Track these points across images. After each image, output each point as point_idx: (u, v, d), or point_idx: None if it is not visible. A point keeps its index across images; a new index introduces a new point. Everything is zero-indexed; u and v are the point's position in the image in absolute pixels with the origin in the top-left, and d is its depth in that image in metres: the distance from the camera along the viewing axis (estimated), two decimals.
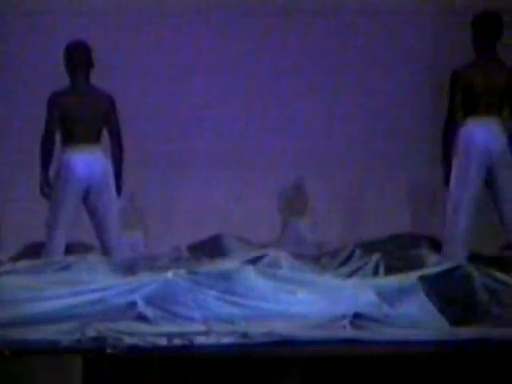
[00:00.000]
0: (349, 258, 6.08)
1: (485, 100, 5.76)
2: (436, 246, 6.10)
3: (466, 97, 5.78)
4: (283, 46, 7.12)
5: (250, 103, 7.21)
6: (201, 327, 4.57)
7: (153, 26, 7.18)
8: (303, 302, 4.89)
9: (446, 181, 5.83)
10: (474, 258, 5.72)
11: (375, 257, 5.61)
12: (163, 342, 4.39)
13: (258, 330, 4.56)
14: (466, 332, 4.56)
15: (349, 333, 4.58)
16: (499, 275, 4.95)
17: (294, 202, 7.22)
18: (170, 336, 4.43)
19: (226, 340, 4.46)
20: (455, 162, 5.78)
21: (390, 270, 5.48)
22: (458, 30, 7.03)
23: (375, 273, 5.54)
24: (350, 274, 5.52)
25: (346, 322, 4.63)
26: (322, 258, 6.23)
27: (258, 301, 4.87)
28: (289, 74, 7.14)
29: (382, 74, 7.08)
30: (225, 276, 4.96)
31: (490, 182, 5.78)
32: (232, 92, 7.23)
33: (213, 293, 4.79)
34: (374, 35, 6.99)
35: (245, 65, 7.14)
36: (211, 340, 4.45)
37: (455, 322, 4.69)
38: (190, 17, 7.20)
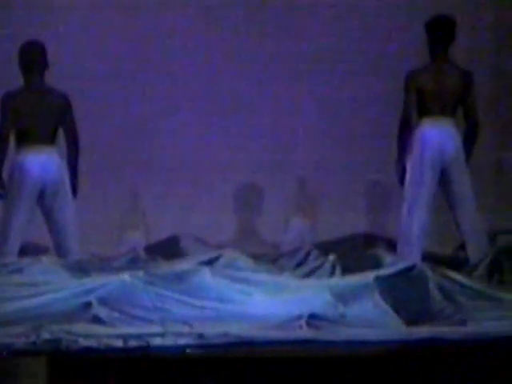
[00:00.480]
0: (305, 259, 6.10)
1: (439, 101, 5.81)
2: (391, 246, 6.15)
3: (420, 98, 5.82)
4: (251, 52, 7.14)
5: (210, 107, 7.21)
6: (157, 328, 4.57)
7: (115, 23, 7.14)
8: (260, 302, 4.91)
9: (401, 181, 5.88)
10: (428, 258, 5.77)
11: (332, 257, 5.64)
12: (119, 343, 4.38)
13: (215, 330, 4.56)
14: (420, 331, 4.60)
15: (305, 333, 4.60)
16: (453, 275, 5.01)
17: (250, 202, 7.22)
18: (125, 338, 4.42)
19: (182, 341, 4.46)
20: (410, 163, 5.82)
21: (346, 271, 5.51)
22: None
23: (332, 273, 5.55)
24: (307, 275, 5.54)
25: (302, 322, 4.64)
26: (278, 258, 6.25)
27: (215, 302, 4.89)
28: (250, 79, 7.16)
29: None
30: (181, 277, 4.97)
31: (444, 182, 5.83)
32: (193, 97, 7.23)
33: (169, 294, 4.80)
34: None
35: (208, 70, 7.14)
36: (168, 341, 4.45)
37: (410, 321, 4.73)
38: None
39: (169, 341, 4.44)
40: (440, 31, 5.81)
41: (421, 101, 5.81)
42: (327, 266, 5.61)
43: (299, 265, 6.01)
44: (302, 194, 7.23)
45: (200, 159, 7.18)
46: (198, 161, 7.18)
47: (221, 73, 7.12)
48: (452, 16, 5.86)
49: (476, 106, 5.87)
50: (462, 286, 4.94)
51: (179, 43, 7.15)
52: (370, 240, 6.55)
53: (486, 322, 4.66)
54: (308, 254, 6.15)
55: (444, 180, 5.81)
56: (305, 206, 7.24)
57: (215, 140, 7.19)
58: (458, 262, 5.75)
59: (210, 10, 7.14)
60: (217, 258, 5.49)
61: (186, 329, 4.56)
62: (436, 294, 4.91)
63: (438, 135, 5.78)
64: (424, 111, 5.81)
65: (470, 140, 5.86)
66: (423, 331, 4.59)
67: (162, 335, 4.47)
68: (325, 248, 6.17)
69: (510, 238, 6.41)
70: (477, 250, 5.73)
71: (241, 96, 7.13)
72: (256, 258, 5.86)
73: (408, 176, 5.80)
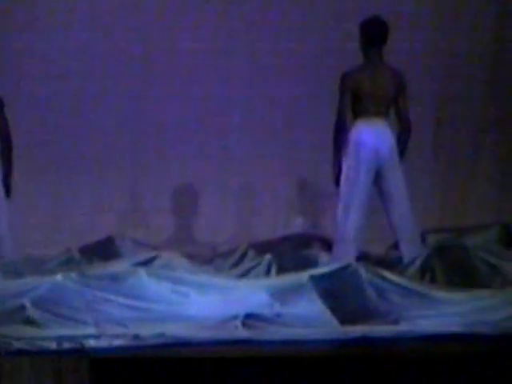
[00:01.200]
0: (241, 259, 6.12)
1: (373, 102, 5.85)
2: (327, 246, 6.19)
3: (355, 99, 5.86)
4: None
5: (145, 103, 7.17)
6: (91, 330, 4.54)
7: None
8: (196, 303, 4.91)
9: (337, 181, 5.92)
10: (363, 257, 5.82)
11: (267, 257, 5.68)
12: (53, 345, 4.34)
13: (151, 331, 4.55)
14: (354, 330, 4.64)
15: (241, 333, 4.61)
16: (387, 274, 5.05)
17: (186, 202, 7.20)
18: (59, 339, 4.39)
19: (117, 342, 4.44)
20: (345, 163, 5.85)
21: (282, 270, 5.55)
22: None
23: (267, 273, 5.60)
24: (243, 275, 5.57)
25: (238, 322, 4.66)
26: (215, 258, 6.26)
27: (151, 303, 4.87)
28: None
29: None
30: (116, 278, 4.95)
31: (378, 182, 5.88)
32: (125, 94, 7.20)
33: (104, 295, 4.77)
34: None
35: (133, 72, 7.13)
36: (102, 343, 4.43)
37: (345, 320, 4.77)
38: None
39: (103, 342, 4.42)
40: (375, 32, 5.86)
41: (355, 102, 5.84)
42: (263, 265, 5.65)
43: (235, 265, 6.04)
44: (239, 194, 7.24)
45: (139, 159, 7.16)
46: (137, 161, 7.16)
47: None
48: (384, 18, 5.92)
49: (408, 106, 5.94)
50: (395, 284, 4.97)
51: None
52: (305, 240, 6.59)
53: (418, 321, 4.73)
54: (244, 254, 6.17)
55: (378, 180, 5.85)
56: (242, 206, 7.27)
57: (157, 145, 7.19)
58: (391, 261, 5.82)
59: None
60: (153, 259, 5.49)
61: (120, 330, 4.56)
62: (370, 293, 4.95)
63: (372, 136, 5.82)
64: (359, 112, 5.85)
65: (403, 140, 5.93)
66: (358, 330, 4.64)
67: (96, 337, 4.45)
68: (261, 248, 6.20)
69: (440, 238, 6.54)
70: (410, 249, 5.77)
71: None
72: (192, 258, 5.88)
73: (343, 176, 5.83)
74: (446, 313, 4.78)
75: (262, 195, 7.19)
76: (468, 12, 7.20)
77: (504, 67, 7.29)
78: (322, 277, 5.01)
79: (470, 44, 7.19)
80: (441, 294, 4.93)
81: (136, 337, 4.49)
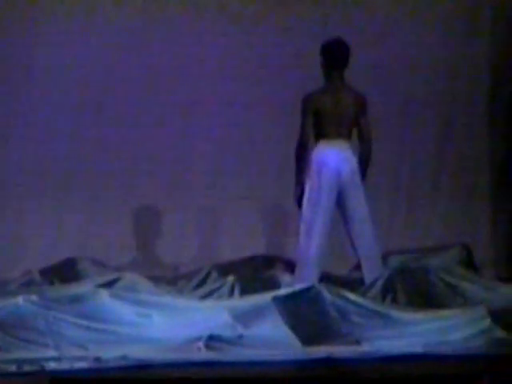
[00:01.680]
0: (204, 280, 6.11)
1: (335, 124, 5.87)
2: (290, 267, 6.19)
3: (317, 120, 5.87)
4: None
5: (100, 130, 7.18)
6: (52, 353, 4.51)
7: None
8: (158, 324, 4.90)
9: (299, 202, 5.94)
10: (325, 278, 5.83)
11: (230, 279, 5.67)
12: (13, 368, 4.30)
13: (112, 353, 4.53)
14: (317, 351, 4.66)
15: (203, 355, 4.60)
16: (349, 295, 5.08)
17: (149, 223, 7.17)
18: (20, 362, 4.35)
19: (78, 365, 4.40)
20: (308, 185, 5.87)
21: (245, 292, 5.55)
22: None
23: (231, 294, 5.59)
24: (206, 296, 5.56)
25: (200, 344, 4.64)
26: (177, 280, 6.23)
27: (113, 324, 4.85)
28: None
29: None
30: (78, 300, 4.92)
31: (340, 203, 5.89)
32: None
33: (65, 317, 4.74)
34: None
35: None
36: (63, 365, 4.39)
37: (308, 341, 4.78)
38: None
39: (64, 365, 4.40)
40: (336, 55, 5.90)
41: (318, 123, 5.86)
42: (226, 287, 5.64)
43: (198, 286, 6.02)
44: (201, 214, 7.23)
45: (94, 182, 7.13)
46: (91, 182, 7.13)
47: None
48: (346, 41, 5.96)
49: (370, 127, 5.98)
50: (357, 305, 5.00)
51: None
52: (268, 261, 6.59)
53: (380, 341, 4.75)
54: (207, 276, 6.16)
55: (340, 201, 5.87)
56: (205, 226, 7.25)
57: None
58: (353, 282, 5.84)
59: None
60: (115, 281, 5.47)
61: (81, 352, 4.53)
62: (333, 314, 4.97)
63: (334, 158, 5.85)
64: (321, 134, 5.87)
65: (364, 161, 5.96)
66: (320, 351, 4.65)
67: (57, 359, 4.42)
68: (224, 269, 6.19)
69: (402, 259, 6.57)
70: (372, 270, 5.78)
71: None
72: (155, 279, 5.85)
73: (306, 198, 5.84)
74: (407, 333, 4.82)
75: (226, 216, 7.19)
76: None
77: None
78: (285, 298, 5.02)
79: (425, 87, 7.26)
80: (402, 314, 4.96)
81: (97, 359, 4.47)
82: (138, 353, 4.56)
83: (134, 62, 7.04)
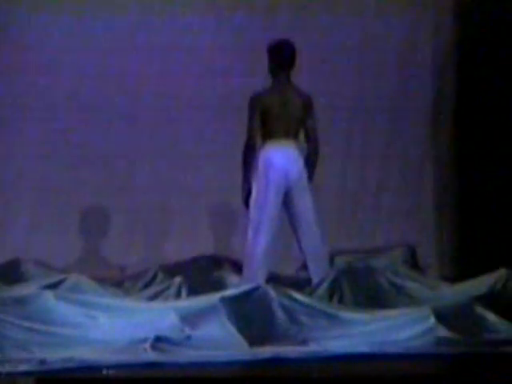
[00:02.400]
0: (151, 282, 6.08)
1: (282, 124, 5.88)
2: (237, 267, 6.20)
3: (264, 121, 5.88)
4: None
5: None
6: None
7: None
8: (105, 326, 4.87)
9: (246, 202, 5.93)
10: (272, 278, 5.84)
11: (178, 279, 5.65)
12: None
13: (58, 355, 4.48)
14: (263, 351, 4.65)
15: (150, 356, 4.56)
16: (295, 295, 5.08)
17: (94, 224, 7.12)
18: None
19: (22, 367, 4.35)
20: (255, 185, 5.87)
21: (192, 293, 5.53)
22: None
23: (177, 295, 5.58)
24: (153, 298, 5.54)
25: (147, 345, 4.61)
26: (124, 281, 6.20)
27: (58, 326, 4.81)
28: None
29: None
30: (23, 302, 4.87)
31: (287, 203, 5.90)
32: None
33: (8, 319, 4.68)
34: None
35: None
36: (7, 368, 4.33)
37: (255, 342, 4.77)
38: None
39: (8, 367, 4.33)
40: (283, 56, 5.90)
41: (265, 124, 5.87)
42: (173, 288, 5.62)
43: (145, 287, 6.00)
44: (148, 215, 7.20)
45: (40, 182, 7.07)
46: (37, 183, 7.08)
47: None
48: (292, 42, 5.97)
49: (316, 127, 6.01)
50: (304, 305, 5.01)
51: None
52: (216, 262, 6.59)
53: (326, 341, 4.76)
54: (154, 277, 6.14)
55: (287, 202, 5.88)
56: (151, 227, 7.22)
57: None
58: (300, 283, 5.86)
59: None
60: (61, 282, 5.43)
61: (26, 355, 4.48)
62: (280, 315, 4.98)
63: (281, 158, 5.85)
64: (268, 134, 5.88)
65: (311, 161, 5.98)
66: (267, 351, 4.65)
67: (0, 362, 4.36)
68: (171, 270, 6.18)
69: (348, 259, 6.61)
70: (318, 270, 5.81)
71: None
72: (101, 281, 5.82)
73: (253, 198, 5.85)
74: (353, 333, 4.84)
75: (173, 216, 7.17)
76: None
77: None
78: (232, 299, 5.01)
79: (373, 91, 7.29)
80: (349, 314, 4.98)
81: (42, 362, 4.41)
82: (84, 354, 4.51)
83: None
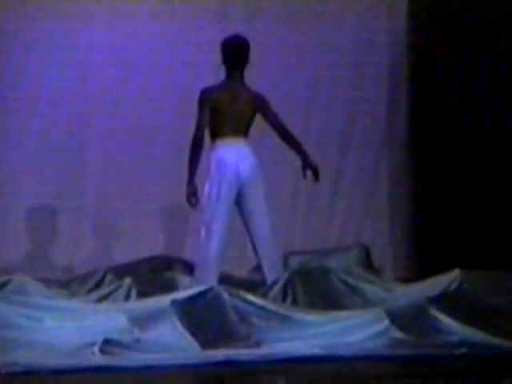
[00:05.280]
0: (100, 283, 5.97)
1: (232, 121, 5.78)
2: (189, 268, 6.12)
3: (214, 118, 5.77)
4: None
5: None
6: None
7: None
8: (51, 329, 4.77)
9: (189, 200, 5.75)
10: (224, 280, 5.77)
11: (127, 281, 5.56)
12: None
13: (3, 359, 4.36)
14: (215, 354, 4.58)
15: (98, 360, 4.46)
16: (248, 296, 5.03)
17: (41, 223, 7.02)
18: None
19: None
20: (207, 184, 5.77)
21: (142, 294, 5.45)
22: None
23: (127, 297, 5.49)
24: (101, 299, 5.43)
25: (95, 348, 4.51)
26: (71, 283, 6.08)
27: (3, 329, 4.70)
28: None
29: None
30: None
31: (240, 202, 5.82)
32: None
33: None
34: None
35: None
36: None
37: (207, 344, 4.70)
38: None
39: None
40: (235, 52, 5.80)
41: (215, 121, 5.77)
42: (122, 289, 5.52)
43: (93, 289, 5.89)
44: (97, 214, 7.11)
45: None
46: None
47: None
48: (246, 38, 5.89)
49: (278, 116, 5.88)
50: (257, 307, 4.96)
51: None
52: (166, 262, 6.49)
53: (280, 343, 4.71)
54: (102, 278, 6.02)
55: (240, 200, 5.80)
56: (100, 226, 7.13)
57: None
58: (253, 284, 5.80)
59: None
60: (5, 284, 5.32)
61: None
62: (232, 316, 4.92)
63: (233, 156, 5.75)
64: (218, 132, 5.78)
65: (295, 144, 5.87)
66: (219, 354, 4.57)
67: None
68: (120, 271, 6.07)
69: (301, 260, 6.58)
70: (272, 271, 5.73)
71: None
72: (47, 282, 5.72)
73: (205, 198, 5.75)
74: (306, 335, 4.78)
75: (123, 216, 7.09)
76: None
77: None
78: (184, 301, 4.93)
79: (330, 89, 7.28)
80: (302, 316, 4.92)
81: None
82: (29, 358, 4.40)
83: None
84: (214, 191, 5.73)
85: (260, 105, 5.84)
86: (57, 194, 6.97)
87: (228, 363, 4.49)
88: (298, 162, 7.34)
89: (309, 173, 5.91)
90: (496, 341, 4.71)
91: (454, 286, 5.54)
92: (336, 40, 7.19)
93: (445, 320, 4.90)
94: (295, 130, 7.11)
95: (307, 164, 5.86)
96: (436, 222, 7.14)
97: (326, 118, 7.34)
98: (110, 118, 7.10)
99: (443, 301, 5.12)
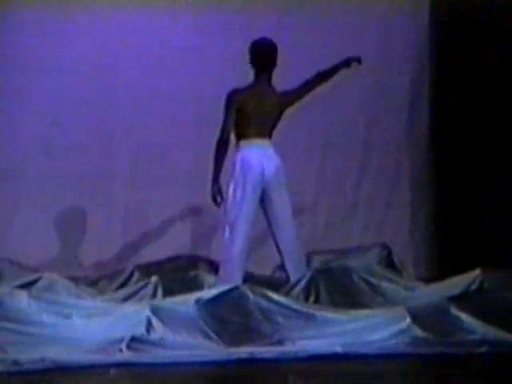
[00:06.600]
0: (127, 281, 6.05)
1: (257, 124, 5.84)
2: (214, 267, 6.17)
3: (240, 120, 5.82)
4: None
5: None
6: None
7: None
8: (79, 326, 4.83)
9: (215, 199, 5.81)
10: (248, 278, 5.82)
11: (154, 279, 5.63)
12: None
13: (31, 356, 4.45)
14: (239, 352, 4.64)
15: (125, 356, 4.54)
16: (272, 295, 5.08)
17: (70, 222, 7.09)
18: None
19: None
20: (231, 185, 5.82)
21: (168, 293, 5.51)
22: None
23: (153, 295, 5.55)
24: (128, 297, 5.50)
25: (122, 345, 4.59)
26: (99, 281, 6.16)
27: (32, 326, 4.78)
28: None
29: None
30: None
31: (264, 203, 5.87)
32: None
33: None
34: None
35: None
36: None
37: (230, 342, 4.76)
38: None
39: None
40: (263, 55, 5.84)
41: (241, 123, 5.82)
42: (149, 287, 5.59)
43: (120, 286, 5.97)
44: (125, 213, 7.18)
45: (16, 179, 7.02)
46: (13, 179, 7.03)
47: None
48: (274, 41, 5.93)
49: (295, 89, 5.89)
50: (280, 306, 5.00)
51: None
52: (192, 261, 6.55)
53: (301, 341, 4.75)
54: (130, 276, 6.10)
55: (264, 200, 5.85)
56: (128, 226, 7.19)
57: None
58: (276, 282, 5.84)
59: None
60: (35, 281, 5.40)
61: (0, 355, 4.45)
62: (256, 315, 4.97)
63: (257, 157, 5.81)
64: (244, 133, 5.84)
65: (319, 76, 5.88)
66: (242, 351, 4.64)
67: None
68: (147, 270, 6.14)
69: (324, 259, 6.61)
70: (295, 270, 5.78)
71: None
72: (75, 280, 5.80)
73: (229, 198, 5.80)
74: (328, 333, 4.82)
75: (150, 215, 7.14)
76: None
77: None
78: (208, 299, 5.00)
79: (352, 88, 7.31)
80: (324, 314, 4.97)
81: (15, 362, 4.38)
82: (57, 355, 4.48)
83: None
84: (239, 191, 5.79)
85: (285, 103, 5.90)
86: (86, 195, 7.03)
87: (251, 361, 4.55)
88: (320, 162, 7.43)
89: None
90: None
91: (475, 285, 5.56)
92: (358, 40, 7.20)
93: (466, 319, 4.93)
94: (317, 129, 7.23)
95: (342, 64, 5.87)
96: (457, 222, 7.15)
97: (348, 119, 7.35)
98: (137, 119, 7.15)
99: (464, 300, 5.16)
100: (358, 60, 5.89)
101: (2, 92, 6.96)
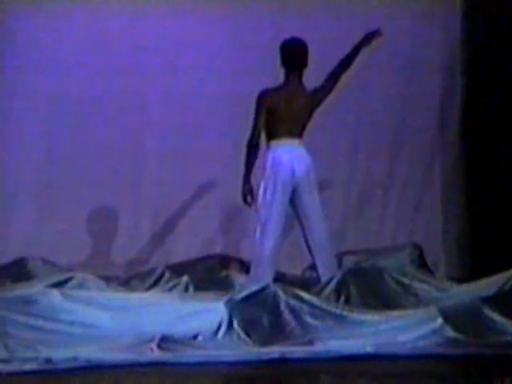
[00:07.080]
0: (158, 281, 6.07)
1: (287, 124, 5.85)
2: (244, 267, 6.18)
3: (270, 119, 5.83)
4: None
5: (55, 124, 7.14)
6: (2, 353, 4.45)
7: None
8: (110, 324, 4.86)
9: (245, 199, 5.84)
10: (279, 278, 5.83)
11: (184, 279, 5.65)
12: None
13: (63, 354, 4.48)
14: (269, 351, 4.64)
15: (156, 355, 4.56)
16: (303, 295, 5.07)
17: (102, 222, 7.13)
18: None
19: (28, 366, 4.35)
20: (262, 185, 5.84)
21: (199, 292, 5.52)
22: None
23: None
24: None
25: (153, 344, 4.61)
26: (131, 280, 6.19)
27: (64, 325, 4.81)
28: None
29: None
30: (29, 300, 4.87)
31: (295, 202, 5.88)
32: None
33: (15, 317, 4.69)
34: None
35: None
36: (13, 367, 4.33)
37: (261, 342, 4.77)
38: None
39: (14, 366, 4.33)
40: (294, 55, 5.84)
41: (271, 122, 5.83)
42: (180, 287, 5.62)
43: (151, 286, 5.99)
44: (155, 214, 7.20)
45: (47, 180, 7.08)
46: (43, 181, 7.08)
47: None
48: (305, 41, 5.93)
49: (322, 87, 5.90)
50: (311, 306, 5.00)
51: None
52: (223, 261, 6.57)
53: (332, 342, 4.74)
54: (161, 276, 6.12)
55: (295, 200, 5.86)
56: (158, 226, 7.22)
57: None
58: (307, 282, 5.84)
59: None
60: (67, 280, 5.42)
61: (32, 353, 4.47)
62: (287, 315, 4.97)
63: (288, 156, 5.82)
64: (274, 133, 5.85)
65: (342, 63, 5.89)
66: (273, 351, 4.63)
67: (6, 361, 4.36)
68: (178, 269, 6.16)
69: (355, 259, 6.59)
70: (326, 270, 5.78)
71: None
72: (107, 279, 5.82)
73: (260, 198, 5.82)
74: (359, 334, 4.82)
75: (180, 215, 7.16)
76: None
77: None
78: (240, 299, 5.00)
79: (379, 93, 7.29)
80: (355, 315, 4.96)
81: (48, 360, 4.41)
82: (89, 353, 4.51)
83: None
84: (270, 191, 5.80)
85: (316, 101, 5.90)
86: (117, 196, 7.07)
87: (282, 360, 4.55)
88: (350, 161, 7.42)
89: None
90: None
91: (508, 285, 5.51)
92: (389, 38, 7.17)
93: (499, 319, 4.91)
94: (347, 129, 7.20)
95: (361, 43, 5.85)
96: (490, 221, 7.11)
97: (378, 114, 7.33)
98: (163, 114, 7.19)
99: (497, 300, 5.12)
100: (378, 33, 5.85)
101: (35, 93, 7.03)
